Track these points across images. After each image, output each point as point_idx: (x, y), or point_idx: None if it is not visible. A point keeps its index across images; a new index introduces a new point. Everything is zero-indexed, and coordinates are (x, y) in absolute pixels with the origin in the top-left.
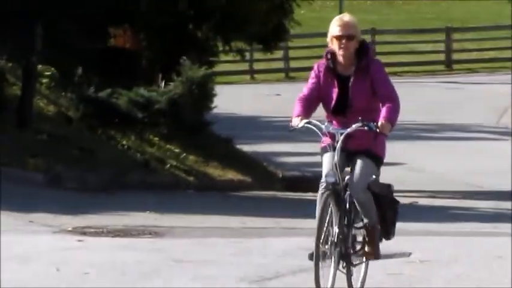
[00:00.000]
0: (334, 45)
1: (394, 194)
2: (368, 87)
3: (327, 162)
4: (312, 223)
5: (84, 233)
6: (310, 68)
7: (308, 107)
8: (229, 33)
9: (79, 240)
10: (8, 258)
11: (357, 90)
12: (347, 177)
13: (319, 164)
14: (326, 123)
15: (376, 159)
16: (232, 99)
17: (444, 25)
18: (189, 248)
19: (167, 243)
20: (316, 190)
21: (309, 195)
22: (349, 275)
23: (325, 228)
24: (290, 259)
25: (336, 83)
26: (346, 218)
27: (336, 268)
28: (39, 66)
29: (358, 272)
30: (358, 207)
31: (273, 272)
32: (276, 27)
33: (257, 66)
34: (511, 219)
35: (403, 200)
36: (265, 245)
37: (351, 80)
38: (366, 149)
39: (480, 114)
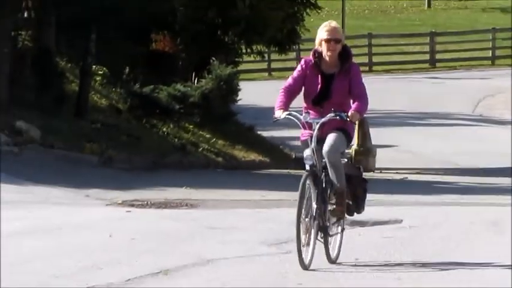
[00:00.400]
0: (322, 47)
1: (386, 172)
2: (347, 86)
3: (308, 151)
4: None
5: (132, 205)
6: None
7: (290, 97)
8: (251, 38)
9: (127, 211)
10: (69, 226)
11: (338, 87)
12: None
13: None
14: (304, 114)
15: (346, 134)
16: (253, 93)
17: (429, 30)
18: (218, 217)
19: (201, 213)
20: None
21: None
22: (326, 244)
23: (305, 204)
24: None
25: (319, 78)
26: (322, 196)
27: (315, 238)
28: (94, 66)
29: (334, 242)
30: (330, 171)
31: (287, 237)
32: (289, 32)
33: (274, 65)
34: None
35: (395, 176)
36: (281, 214)
37: (334, 77)
38: (338, 127)
39: (458, 104)
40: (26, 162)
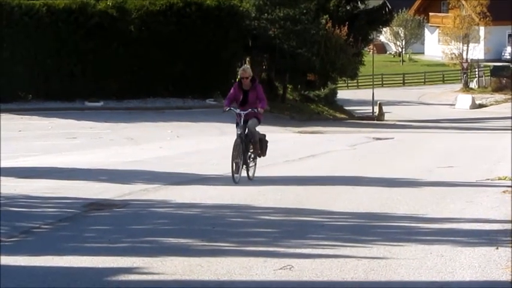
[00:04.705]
0: (242, 79)
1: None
2: (255, 95)
3: (238, 126)
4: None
5: (301, 132)
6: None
7: (231, 101)
8: (342, 74)
9: (300, 134)
10: (279, 139)
11: (251, 96)
12: (247, 130)
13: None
14: (237, 110)
15: (258, 119)
16: (344, 94)
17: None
18: (330, 137)
19: (323, 136)
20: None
21: (363, 121)
22: (247, 171)
23: (236, 152)
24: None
25: (242, 92)
26: (245, 149)
27: (242, 167)
28: (288, 86)
29: (252, 170)
30: (250, 134)
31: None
32: (355, 72)
33: (350, 84)
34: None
35: (398, 123)
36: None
37: (249, 91)
38: (254, 116)
39: None
40: (264, 118)
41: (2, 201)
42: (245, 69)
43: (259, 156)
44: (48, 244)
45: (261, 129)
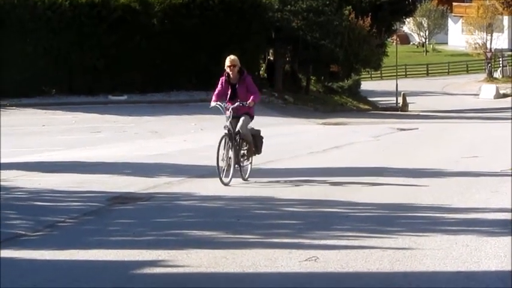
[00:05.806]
0: (228, 69)
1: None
2: (245, 88)
3: (227, 122)
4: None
5: (325, 124)
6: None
7: (218, 97)
8: (366, 66)
9: (324, 125)
10: (302, 131)
11: (240, 90)
12: (237, 126)
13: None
14: (224, 104)
15: (250, 116)
16: (368, 85)
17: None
18: (354, 128)
19: (346, 127)
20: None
21: (387, 112)
22: (240, 171)
23: (221, 151)
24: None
25: (229, 86)
26: (238, 147)
27: (234, 167)
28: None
29: (245, 169)
30: (241, 136)
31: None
32: (378, 63)
33: (373, 75)
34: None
35: (421, 113)
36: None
37: (237, 85)
38: (245, 112)
39: None
40: (288, 110)
41: (26, 196)
42: (231, 58)
43: (254, 154)
44: (73, 238)
45: (284, 120)
